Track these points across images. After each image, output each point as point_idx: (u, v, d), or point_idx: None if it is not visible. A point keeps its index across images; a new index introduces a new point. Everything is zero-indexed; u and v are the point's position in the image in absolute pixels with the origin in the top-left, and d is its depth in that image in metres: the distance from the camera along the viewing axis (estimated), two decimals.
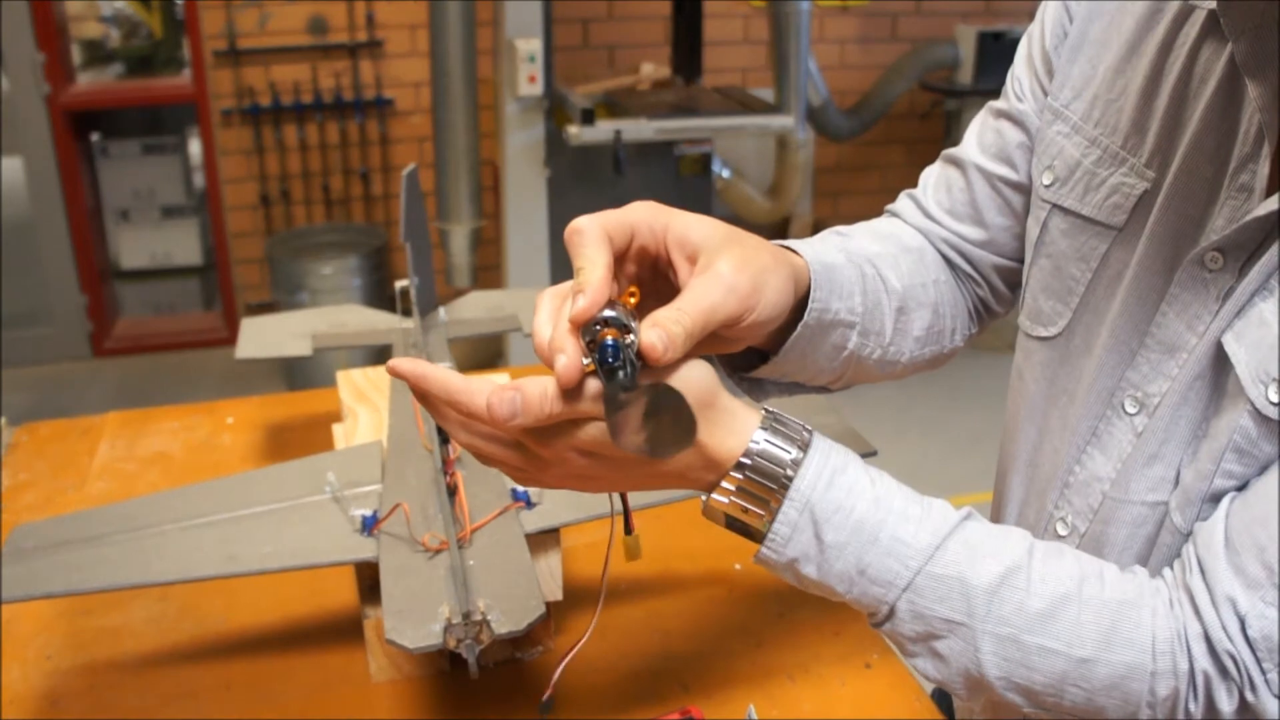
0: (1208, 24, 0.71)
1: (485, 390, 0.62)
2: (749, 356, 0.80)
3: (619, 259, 0.66)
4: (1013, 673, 0.66)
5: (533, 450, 0.64)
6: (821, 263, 0.76)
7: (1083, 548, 0.77)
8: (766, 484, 0.65)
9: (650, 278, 0.70)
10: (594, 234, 0.65)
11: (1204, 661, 0.63)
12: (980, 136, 0.90)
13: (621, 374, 0.58)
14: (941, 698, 1.09)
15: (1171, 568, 0.68)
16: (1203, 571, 0.65)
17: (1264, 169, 0.67)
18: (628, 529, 0.72)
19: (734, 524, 0.67)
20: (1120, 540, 0.75)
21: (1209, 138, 0.70)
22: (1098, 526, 0.76)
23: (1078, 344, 0.80)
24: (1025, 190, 0.87)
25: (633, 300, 0.65)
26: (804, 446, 0.66)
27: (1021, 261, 0.88)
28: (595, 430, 0.62)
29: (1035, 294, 0.84)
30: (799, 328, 0.74)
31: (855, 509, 0.65)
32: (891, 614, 0.67)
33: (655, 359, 0.60)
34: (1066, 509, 0.79)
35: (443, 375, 0.64)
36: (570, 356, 0.60)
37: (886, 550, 0.65)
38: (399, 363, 0.66)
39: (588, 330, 0.60)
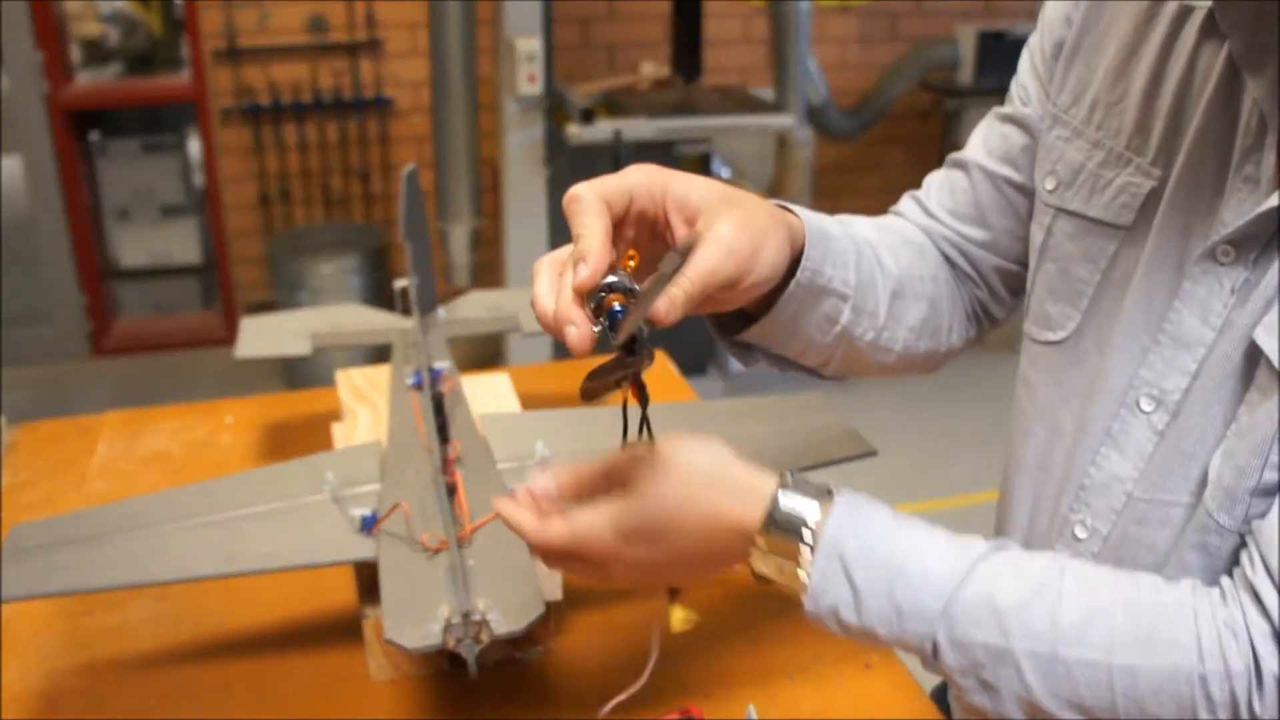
0: (1206, 23, 0.71)
1: (529, 518, 0.69)
2: (738, 321, 0.80)
3: (618, 224, 0.67)
4: (1059, 689, 0.64)
5: (583, 554, 0.69)
6: (818, 228, 0.77)
7: (1106, 550, 0.76)
8: (792, 540, 0.66)
9: (649, 240, 0.70)
10: (591, 201, 0.65)
11: (1272, 661, 0.60)
12: (986, 140, 0.90)
13: (635, 341, 0.61)
14: (941, 698, 1.09)
15: (1230, 574, 0.66)
16: (1268, 569, 0.63)
17: (1269, 160, 0.67)
18: (672, 597, 0.75)
19: (779, 587, 0.69)
20: (1154, 541, 0.73)
21: (1211, 133, 0.71)
22: (1127, 528, 0.75)
23: (1088, 346, 0.79)
24: (1029, 193, 0.87)
25: (632, 264, 0.66)
26: (825, 499, 0.68)
27: (1022, 265, 0.89)
28: (623, 508, 0.67)
29: (1041, 299, 0.83)
30: (791, 286, 0.75)
31: (881, 548, 0.66)
32: (936, 650, 0.66)
33: (659, 320, 0.62)
34: (1084, 511, 0.78)
35: (508, 510, 0.70)
36: (580, 326, 0.61)
37: (918, 585, 0.65)
38: (502, 506, 0.71)
39: (592, 297, 0.62)
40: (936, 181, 0.94)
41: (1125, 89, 0.77)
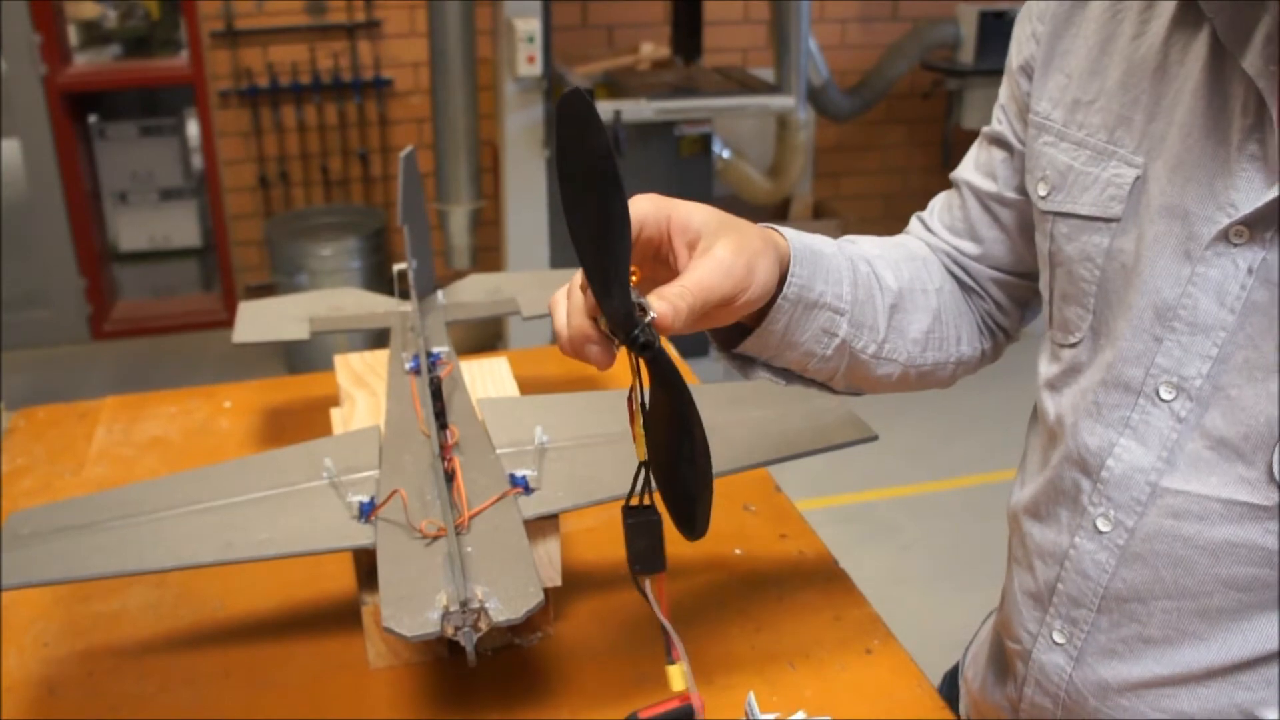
0: (1178, 11, 0.72)
1: None
2: (736, 335, 0.84)
3: None
4: None
5: None
6: (805, 246, 0.81)
7: (1135, 543, 0.75)
8: None
9: (652, 262, 0.75)
10: None
11: None
12: (975, 158, 0.96)
13: (655, 345, 0.65)
14: (951, 686, 1.09)
15: None
16: None
17: (1273, 137, 0.66)
18: (670, 658, 0.73)
19: None
20: (1196, 535, 0.72)
21: (1200, 116, 0.70)
22: (1160, 521, 0.74)
23: (1101, 341, 0.79)
24: (1010, 203, 0.91)
25: (634, 279, 0.70)
26: None
27: (1016, 275, 0.94)
28: None
29: (1058, 305, 0.85)
30: (778, 301, 0.78)
31: None
32: None
33: (665, 327, 0.66)
34: (1105, 504, 0.77)
35: None
36: (601, 344, 0.67)
37: None
38: None
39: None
40: (939, 202, 1.00)
41: (1100, 86, 0.78)
